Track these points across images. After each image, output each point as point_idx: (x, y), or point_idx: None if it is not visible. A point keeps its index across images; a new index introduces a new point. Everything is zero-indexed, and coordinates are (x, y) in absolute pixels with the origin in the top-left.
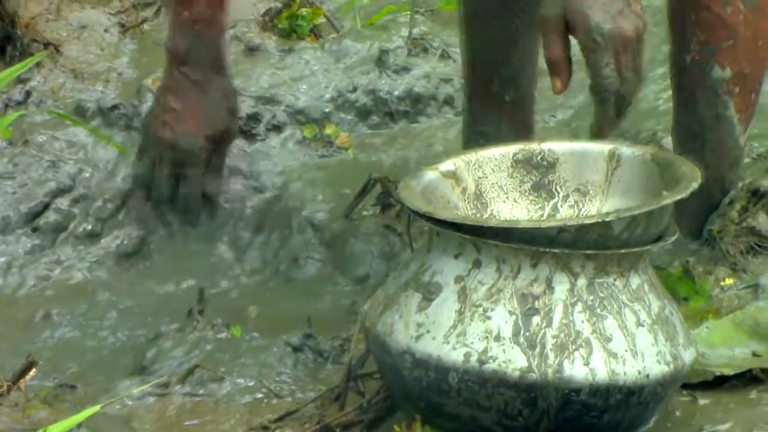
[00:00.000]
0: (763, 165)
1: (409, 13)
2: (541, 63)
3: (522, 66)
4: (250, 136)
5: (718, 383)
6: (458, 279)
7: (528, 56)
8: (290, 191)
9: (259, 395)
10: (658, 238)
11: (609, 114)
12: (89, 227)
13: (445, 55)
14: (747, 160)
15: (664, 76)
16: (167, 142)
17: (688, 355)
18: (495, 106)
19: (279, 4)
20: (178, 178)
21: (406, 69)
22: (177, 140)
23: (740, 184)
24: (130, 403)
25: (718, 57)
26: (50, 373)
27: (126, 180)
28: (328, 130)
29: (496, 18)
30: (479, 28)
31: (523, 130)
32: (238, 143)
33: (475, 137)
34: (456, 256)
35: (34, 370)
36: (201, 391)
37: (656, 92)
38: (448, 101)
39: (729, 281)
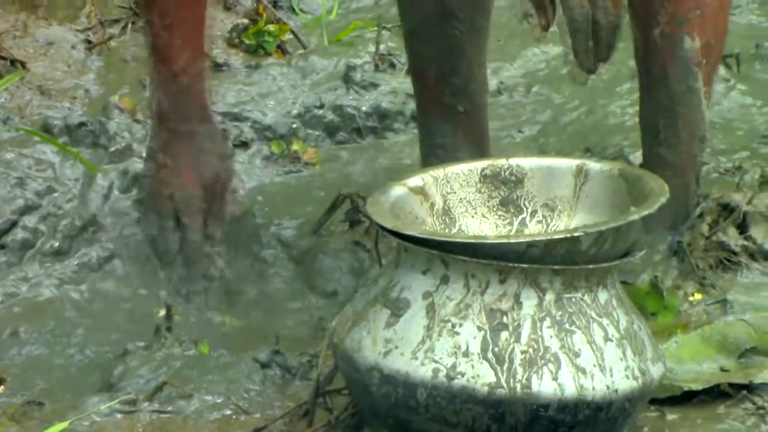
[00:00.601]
0: (732, 179)
1: (375, 29)
2: (503, 78)
3: (471, 75)
4: None
5: (686, 398)
6: (426, 295)
7: (475, 64)
8: (258, 207)
9: (228, 412)
10: (626, 253)
11: (584, 47)
12: (57, 245)
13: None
14: (715, 174)
15: (631, 91)
16: (166, 196)
17: (656, 370)
18: (449, 118)
19: (245, 21)
20: (182, 229)
21: (373, 85)
22: (174, 193)
23: (710, 198)
24: (98, 420)
25: (687, 28)
26: (18, 390)
27: (93, 197)
28: (296, 146)
29: (437, 29)
30: (423, 41)
31: (479, 139)
32: None
33: (433, 150)
34: (424, 272)
35: (2, 387)
36: (169, 408)
37: (623, 108)
38: (415, 116)
39: (697, 296)
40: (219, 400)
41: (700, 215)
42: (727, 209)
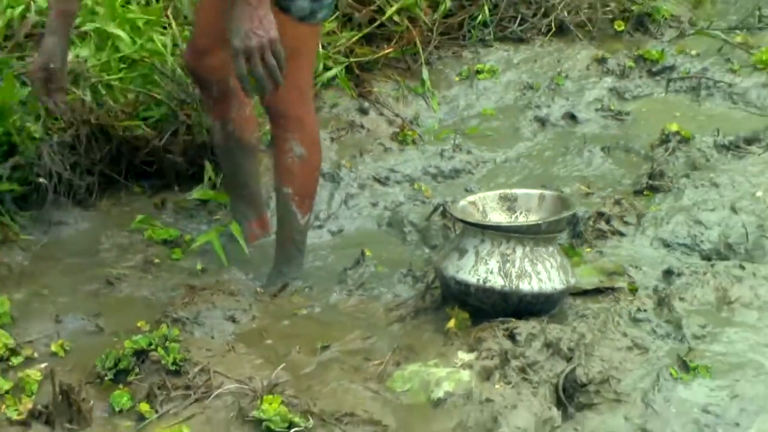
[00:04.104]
0: (602, 196)
1: (453, 133)
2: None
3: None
4: (387, 185)
5: (584, 293)
6: (474, 247)
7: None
8: (401, 209)
9: (390, 296)
10: (560, 231)
11: (247, 89)
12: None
13: (468, 153)
14: (598, 198)
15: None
16: None
17: (572, 281)
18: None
19: (398, 129)
20: None
21: (452, 158)
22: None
23: (593, 210)
24: (335, 299)
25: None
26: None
27: None
28: (417, 185)
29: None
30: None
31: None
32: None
33: None
34: (473, 236)
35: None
36: (365, 294)
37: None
38: (470, 171)
39: (588, 250)
40: (385, 290)
41: (589, 217)
42: (600, 214)
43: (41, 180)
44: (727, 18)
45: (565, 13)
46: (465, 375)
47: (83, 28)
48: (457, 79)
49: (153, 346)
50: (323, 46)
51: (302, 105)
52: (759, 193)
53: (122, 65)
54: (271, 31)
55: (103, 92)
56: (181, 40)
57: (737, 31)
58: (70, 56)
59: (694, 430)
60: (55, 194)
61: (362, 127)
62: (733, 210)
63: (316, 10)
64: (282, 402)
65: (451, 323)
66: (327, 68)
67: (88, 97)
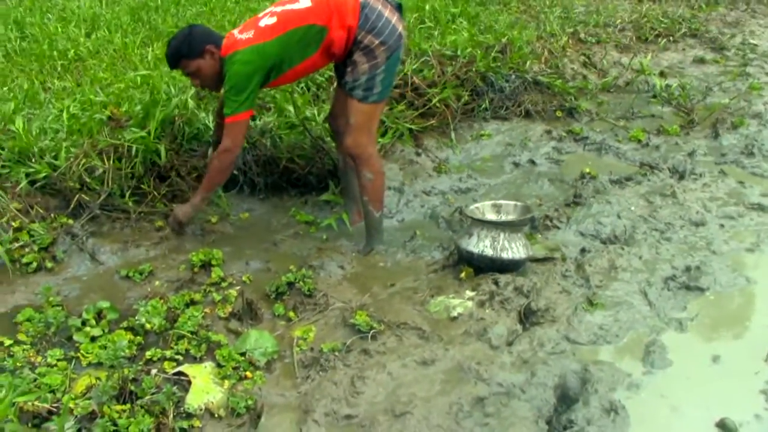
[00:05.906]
0: (548, 206)
1: (466, 169)
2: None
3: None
4: (430, 195)
5: (537, 260)
6: (477, 232)
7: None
8: (437, 209)
9: (429, 258)
10: (526, 225)
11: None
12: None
13: (475, 179)
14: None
15: (515, 177)
16: None
17: (531, 253)
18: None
19: (437, 165)
20: None
21: (466, 182)
22: None
23: (543, 214)
24: (401, 257)
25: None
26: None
27: None
28: (447, 196)
29: None
30: None
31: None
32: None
33: None
34: (477, 226)
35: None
36: (415, 256)
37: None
38: (476, 190)
39: (540, 236)
40: (427, 256)
41: (541, 218)
42: (547, 216)
43: (240, 179)
44: (616, 112)
45: (530, 105)
46: (469, 303)
47: (269, 105)
48: (470, 138)
49: (297, 280)
50: (397, 118)
51: (368, 150)
52: (632, 208)
53: (287, 127)
54: None
55: (277, 140)
56: (320, 113)
57: (621, 120)
58: (261, 121)
59: (593, 337)
60: (247, 190)
61: (417, 163)
62: (618, 216)
63: (368, 96)
64: (367, 314)
65: (463, 274)
66: (399, 131)
67: (268, 142)
